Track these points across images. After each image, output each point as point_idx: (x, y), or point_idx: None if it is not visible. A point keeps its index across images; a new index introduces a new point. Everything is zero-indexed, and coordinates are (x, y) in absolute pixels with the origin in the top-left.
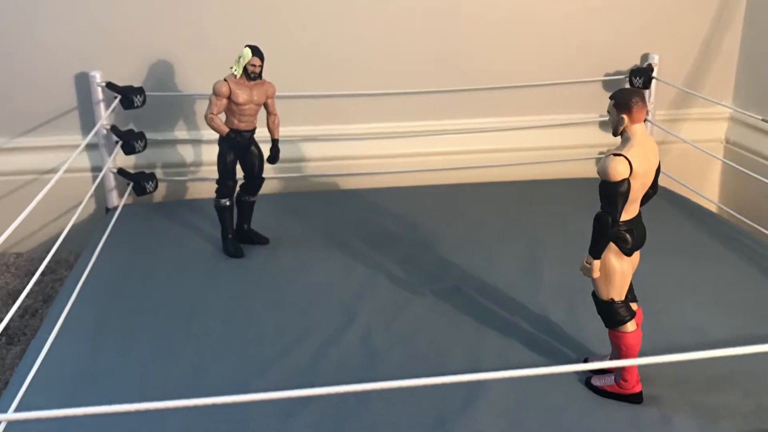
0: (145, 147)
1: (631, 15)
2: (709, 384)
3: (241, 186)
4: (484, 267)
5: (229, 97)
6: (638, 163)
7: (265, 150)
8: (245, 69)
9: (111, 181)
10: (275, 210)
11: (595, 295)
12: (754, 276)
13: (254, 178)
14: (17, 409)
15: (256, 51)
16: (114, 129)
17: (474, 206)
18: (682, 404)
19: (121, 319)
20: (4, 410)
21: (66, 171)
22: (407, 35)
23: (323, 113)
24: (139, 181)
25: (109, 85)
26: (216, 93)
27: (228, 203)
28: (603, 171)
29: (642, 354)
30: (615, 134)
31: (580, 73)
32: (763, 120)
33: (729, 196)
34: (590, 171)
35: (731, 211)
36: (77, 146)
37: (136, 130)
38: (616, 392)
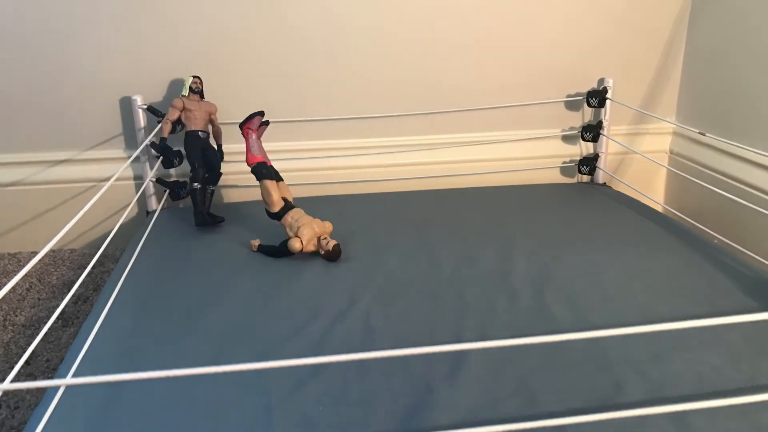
0: (180, 162)
1: (589, 44)
2: (655, 355)
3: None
4: (467, 258)
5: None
6: None
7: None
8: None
9: (151, 189)
10: None
11: None
12: (693, 264)
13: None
14: None
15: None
16: (154, 146)
17: (458, 207)
18: (632, 373)
19: (159, 304)
20: None
21: (114, 180)
22: (403, 69)
23: (333, 131)
24: (174, 189)
25: (150, 109)
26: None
27: (198, 186)
28: None
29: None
30: None
31: (544, 95)
32: (700, 133)
33: (673, 198)
34: (554, 177)
35: (674, 211)
36: (123, 159)
37: (173, 148)
38: None
